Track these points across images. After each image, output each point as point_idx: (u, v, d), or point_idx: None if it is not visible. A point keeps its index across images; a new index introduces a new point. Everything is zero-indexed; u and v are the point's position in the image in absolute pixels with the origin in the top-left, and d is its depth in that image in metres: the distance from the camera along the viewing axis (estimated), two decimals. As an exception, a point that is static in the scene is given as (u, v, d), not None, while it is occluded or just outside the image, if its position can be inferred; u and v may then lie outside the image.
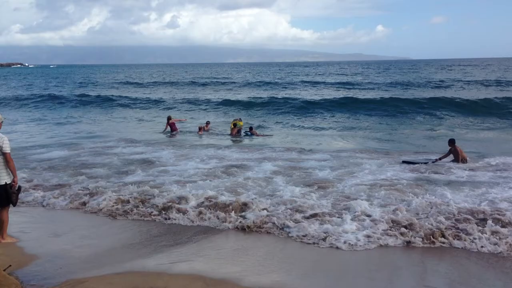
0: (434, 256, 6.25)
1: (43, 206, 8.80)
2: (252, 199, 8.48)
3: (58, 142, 16.49)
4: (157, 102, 33.12)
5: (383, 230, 7.01)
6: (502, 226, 7.01)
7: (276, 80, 52.26)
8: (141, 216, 8.03)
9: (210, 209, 8.07)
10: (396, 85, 41.09)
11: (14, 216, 7.35)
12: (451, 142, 12.43)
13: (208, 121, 20.46)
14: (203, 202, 8.43)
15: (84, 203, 8.81)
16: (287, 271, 5.77)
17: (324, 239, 6.71)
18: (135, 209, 8.35)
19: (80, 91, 42.42)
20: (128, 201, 8.69)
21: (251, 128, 19.09)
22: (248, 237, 7.09)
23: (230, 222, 7.56)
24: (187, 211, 7.99)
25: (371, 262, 6.04)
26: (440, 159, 12.24)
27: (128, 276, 5.56)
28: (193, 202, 8.45)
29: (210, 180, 10.17)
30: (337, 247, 6.49)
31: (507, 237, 6.62)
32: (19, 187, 6.63)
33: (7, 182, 6.41)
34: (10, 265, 5.58)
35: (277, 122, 23.07)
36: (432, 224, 7.12)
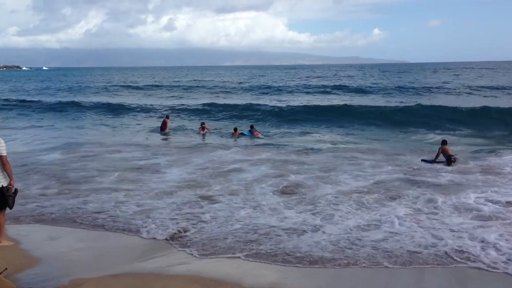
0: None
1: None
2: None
3: None
4: (125, 108, 30.03)
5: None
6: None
7: (272, 84, 51.14)
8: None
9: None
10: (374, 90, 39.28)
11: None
12: (442, 142, 12.96)
13: (203, 122, 20.45)
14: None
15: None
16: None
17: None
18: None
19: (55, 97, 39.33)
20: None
21: (252, 127, 19.22)
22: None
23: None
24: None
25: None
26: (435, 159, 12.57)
27: (126, 278, 5.55)
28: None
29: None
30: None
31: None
32: (16, 190, 6.61)
33: (4, 185, 6.40)
34: (6, 268, 5.55)
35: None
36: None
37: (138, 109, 29.59)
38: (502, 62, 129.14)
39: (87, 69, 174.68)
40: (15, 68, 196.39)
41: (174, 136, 19.38)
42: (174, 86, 52.37)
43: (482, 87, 39.01)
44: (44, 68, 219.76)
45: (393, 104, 27.12)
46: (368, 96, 35.35)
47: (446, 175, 11.00)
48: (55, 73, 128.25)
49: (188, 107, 29.20)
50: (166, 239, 7.01)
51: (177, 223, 7.67)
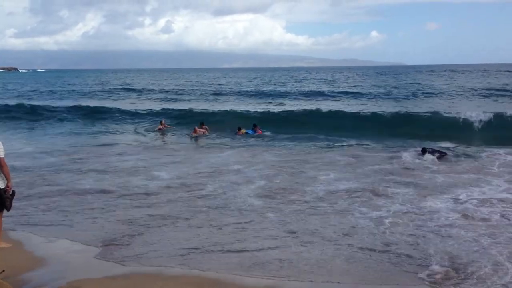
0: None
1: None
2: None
3: None
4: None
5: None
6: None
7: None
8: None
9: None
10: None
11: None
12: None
13: (202, 123, 20.09)
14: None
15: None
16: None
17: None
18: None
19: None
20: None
21: (255, 125, 19.41)
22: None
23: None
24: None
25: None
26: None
27: (124, 280, 5.54)
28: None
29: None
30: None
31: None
32: (13, 192, 6.60)
33: (1, 187, 6.39)
34: (4, 270, 5.54)
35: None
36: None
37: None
38: (503, 65, 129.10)
39: (81, 71, 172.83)
40: (12, 70, 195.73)
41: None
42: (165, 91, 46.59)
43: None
44: (39, 70, 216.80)
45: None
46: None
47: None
48: (51, 74, 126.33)
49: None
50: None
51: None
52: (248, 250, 6.56)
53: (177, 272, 5.81)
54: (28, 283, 5.45)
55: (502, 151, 14.02)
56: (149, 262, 6.16)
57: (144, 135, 20.23)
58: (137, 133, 21.08)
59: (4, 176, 6.45)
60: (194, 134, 19.06)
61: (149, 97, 40.35)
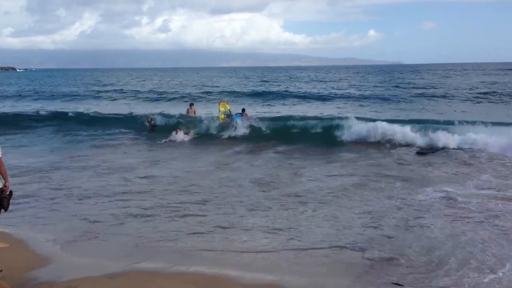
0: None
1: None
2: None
3: None
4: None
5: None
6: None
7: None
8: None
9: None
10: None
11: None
12: None
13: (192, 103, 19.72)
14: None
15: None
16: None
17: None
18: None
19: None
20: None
21: (243, 110, 17.94)
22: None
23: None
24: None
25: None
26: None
27: (122, 279, 5.55)
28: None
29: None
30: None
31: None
32: (11, 192, 6.58)
33: (-1, 187, 6.38)
34: (1, 270, 5.55)
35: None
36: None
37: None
38: (500, 64, 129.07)
39: (77, 70, 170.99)
40: (10, 70, 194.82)
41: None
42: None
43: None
44: (33, 69, 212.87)
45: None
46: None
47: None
48: (42, 74, 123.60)
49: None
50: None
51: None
52: (248, 250, 6.60)
53: (175, 270, 5.81)
54: (26, 282, 5.45)
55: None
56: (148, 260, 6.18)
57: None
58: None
59: (1, 176, 6.44)
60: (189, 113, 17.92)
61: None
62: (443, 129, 15.42)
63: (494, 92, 33.41)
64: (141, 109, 27.56)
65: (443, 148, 13.86)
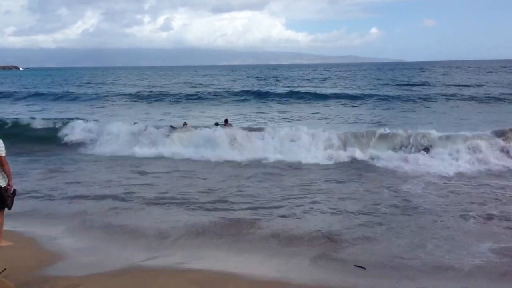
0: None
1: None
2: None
3: None
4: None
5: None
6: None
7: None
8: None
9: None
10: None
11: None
12: None
13: (185, 122, 17.94)
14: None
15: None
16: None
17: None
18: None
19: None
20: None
21: (226, 121, 17.20)
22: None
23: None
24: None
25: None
26: None
27: (124, 277, 5.57)
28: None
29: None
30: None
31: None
32: (14, 190, 6.61)
33: (2, 186, 6.41)
34: (5, 269, 5.57)
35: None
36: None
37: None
38: (501, 61, 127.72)
39: (78, 69, 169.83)
40: (13, 69, 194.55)
41: None
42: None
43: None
44: (21, 68, 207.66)
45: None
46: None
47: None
48: (37, 73, 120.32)
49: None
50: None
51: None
52: (247, 249, 6.61)
53: (178, 268, 5.82)
54: (30, 281, 5.46)
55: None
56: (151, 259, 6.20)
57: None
58: None
59: (5, 175, 6.47)
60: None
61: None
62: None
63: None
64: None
65: None
